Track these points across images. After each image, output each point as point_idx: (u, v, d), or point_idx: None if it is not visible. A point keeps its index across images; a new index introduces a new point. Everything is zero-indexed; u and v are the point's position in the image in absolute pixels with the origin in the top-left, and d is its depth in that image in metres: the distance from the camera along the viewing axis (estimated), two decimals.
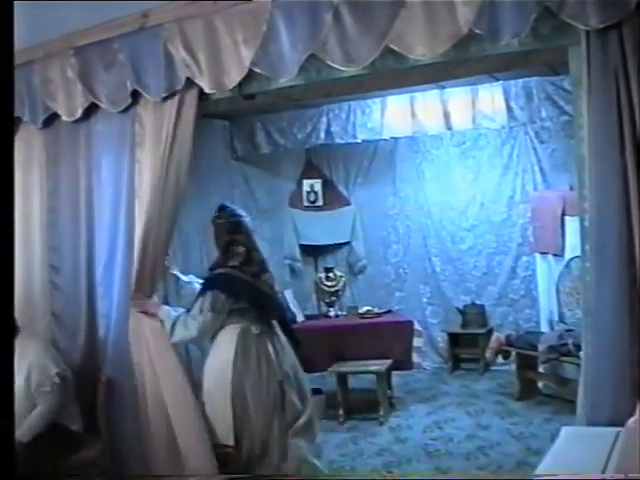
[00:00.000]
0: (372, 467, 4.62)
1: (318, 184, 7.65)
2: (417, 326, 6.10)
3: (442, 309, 7.43)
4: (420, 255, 7.51)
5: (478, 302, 7.16)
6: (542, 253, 6.53)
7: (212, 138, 7.05)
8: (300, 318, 6.26)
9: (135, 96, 4.01)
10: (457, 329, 7.19)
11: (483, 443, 4.89)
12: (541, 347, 5.46)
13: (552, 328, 6.07)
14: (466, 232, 7.32)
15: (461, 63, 4.22)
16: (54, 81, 4.25)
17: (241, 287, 3.95)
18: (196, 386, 3.98)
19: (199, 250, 6.66)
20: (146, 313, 3.95)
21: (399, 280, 7.59)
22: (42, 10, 3.92)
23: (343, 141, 6.77)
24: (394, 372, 6.02)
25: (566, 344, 5.26)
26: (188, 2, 3.78)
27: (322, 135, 6.75)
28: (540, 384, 5.96)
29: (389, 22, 3.23)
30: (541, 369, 5.86)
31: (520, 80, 5.98)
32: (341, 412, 5.62)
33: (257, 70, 3.60)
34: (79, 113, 4.19)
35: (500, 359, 6.36)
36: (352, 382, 5.96)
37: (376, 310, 6.46)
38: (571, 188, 5.99)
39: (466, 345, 7.16)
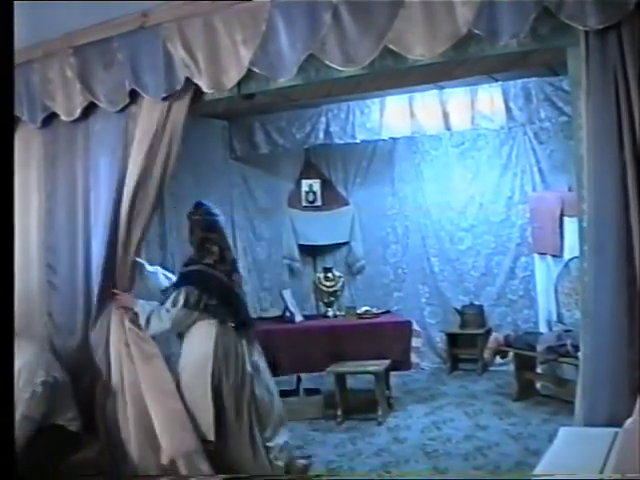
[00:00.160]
0: (370, 467, 4.61)
1: (317, 184, 7.66)
2: (415, 326, 6.10)
3: (441, 309, 7.43)
4: (419, 255, 7.51)
5: (477, 302, 7.17)
6: (541, 254, 6.53)
7: (211, 138, 7.05)
8: (299, 318, 6.26)
9: (132, 95, 4.01)
10: (456, 329, 7.20)
11: (481, 443, 4.88)
12: (539, 348, 5.46)
13: (550, 329, 6.07)
14: (465, 232, 7.33)
15: (460, 63, 4.24)
16: (53, 81, 4.24)
17: (216, 284, 4.07)
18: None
19: None
20: (124, 308, 4.05)
21: (398, 280, 7.60)
22: (42, 10, 3.92)
23: (342, 141, 6.79)
24: (392, 372, 6.02)
25: (564, 345, 5.27)
26: (187, 2, 3.78)
27: (321, 135, 6.76)
28: (538, 385, 5.97)
29: (388, 22, 3.23)
30: (539, 370, 5.87)
31: (519, 81, 5.99)
32: (339, 412, 5.61)
33: (256, 70, 3.59)
34: (78, 113, 4.19)
35: (498, 359, 6.37)
36: (350, 382, 5.96)
37: (375, 310, 6.46)
38: (570, 189, 5.99)
39: (465, 345, 7.17)
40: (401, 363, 5.89)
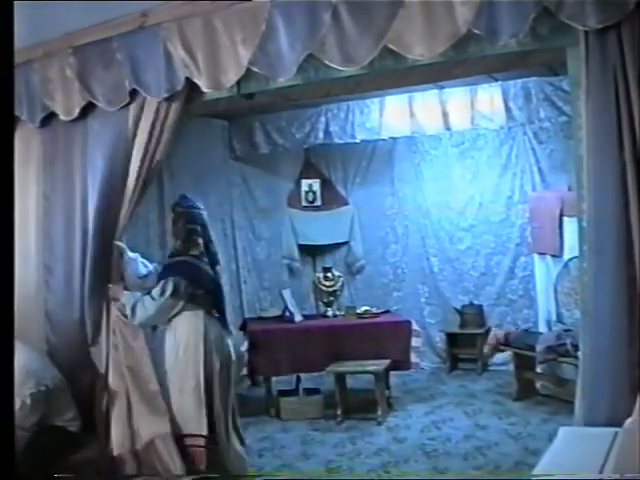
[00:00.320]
0: (370, 467, 4.61)
1: (317, 184, 7.66)
2: (415, 326, 6.09)
3: (440, 309, 7.43)
4: (418, 255, 7.51)
5: (476, 302, 7.17)
6: (540, 253, 6.53)
7: (211, 138, 7.06)
8: (298, 318, 6.26)
9: (131, 95, 4.01)
10: (455, 329, 7.20)
11: (481, 443, 4.88)
12: (539, 347, 5.46)
13: (550, 328, 6.07)
14: (464, 232, 7.33)
15: (460, 63, 4.24)
16: (53, 80, 4.24)
17: (202, 276, 4.17)
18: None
19: None
20: (114, 299, 4.14)
21: (397, 280, 7.60)
22: (42, 10, 3.92)
23: (342, 141, 6.80)
24: (392, 372, 6.02)
25: (564, 344, 5.26)
26: (187, 2, 3.78)
27: (321, 135, 6.77)
28: (538, 384, 5.97)
29: (388, 22, 3.23)
30: (539, 369, 5.86)
31: (519, 80, 5.99)
32: (339, 412, 5.61)
33: (255, 69, 3.60)
34: (76, 112, 4.19)
35: (497, 357, 6.38)
36: (350, 382, 5.96)
37: (374, 310, 6.46)
38: (569, 189, 5.99)
39: (464, 345, 7.17)
40: (401, 363, 5.90)
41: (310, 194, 7.65)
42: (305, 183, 7.67)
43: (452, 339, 7.21)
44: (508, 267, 7.11)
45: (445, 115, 6.34)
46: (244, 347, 5.89)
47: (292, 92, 5.14)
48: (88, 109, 4.20)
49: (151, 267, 4.33)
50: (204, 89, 3.79)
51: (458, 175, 7.33)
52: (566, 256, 6.00)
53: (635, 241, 2.89)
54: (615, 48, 2.90)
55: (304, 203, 7.65)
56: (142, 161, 4.03)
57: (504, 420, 5.38)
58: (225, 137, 7.25)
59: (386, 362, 5.69)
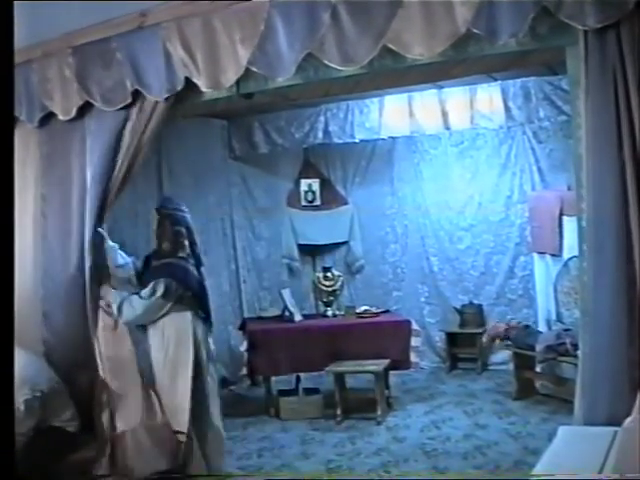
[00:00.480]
0: (370, 467, 4.61)
1: (316, 184, 7.65)
2: (415, 326, 6.09)
3: (440, 309, 7.43)
4: (418, 255, 7.51)
5: (476, 302, 7.17)
6: (540, 253, 6.53)
7: (210, 137, 7.06)
8: (298, 317, 6.26)
9: (133, 95, 4.01)
10: (455, 329, 7.20)
11: (480, 442, 4.89)
12: (539, 347, 5.46)
13: (550, 328, 6.07)
14: (464, 232, 7.33)
15: (459, 63, 4.24)
16: (52, 80, 4.24)
17: (191, 277, 4.27)
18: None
19: None
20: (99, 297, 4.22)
21: (397, 280, 7.60)
22: (41, 10, 3.91)
23: (341, 141, 6.80)
24: (392, 372, 6.02)
25: (564, 344, 5.26)
26: (186, 2, 3.78)
27: (320, 135, 6.77)
28: (538, 384, 5.97)
29: (387, 22, 3.23)
30: (539, 369, 5.86)
31: (518, 80, 5.99)
32: (339, 412, 5.61)
33: (254, 69, 3.60)
34: (74, 112, 4.19)
35: (497, 356, 6.38)
36: (350, 382, 5.96)
37: (374, 310, 6.46)
38: (569, 188, 5.98)
39: (464, 345, 7.17)
40: (400, 362, 5.89)
41: (309, 194, 7.65)
42: (304, 183, 7.67)
43: (452, 339, 7.21)
44: (508, 267, 7.11)
45: (444, 115, 6.34)
46: (243, 347, 5.90)
47: (291, 92, 5.13)
48: (86, 109, 4.20)
49: (128, 259, 4.39)
50: (203, 89, 3.79)
51: (457, 175, 7.33)
52: (565, 255, 6.00)
53: (635, 240, 2.89)
54: (614, 47, 2.90)
55: (303, 203, 7.65)
56: (123, 160, 4.09)
57: (504, 419, 5.38)
58: (224, 137, 7.25)
59: (386, 362, 5.69)
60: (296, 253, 7.58)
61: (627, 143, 2.89)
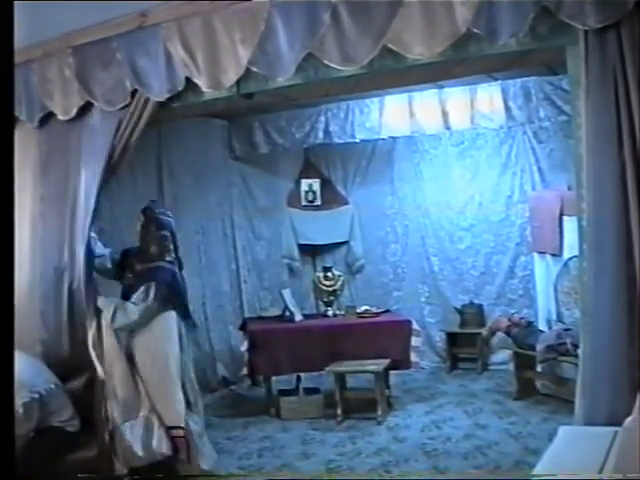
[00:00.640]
0: (370, 467, 4.61)
1: (316, 183, 7.65)
2: (415, 325, 6.09)
3: (440, 308, 7.43)
4: (418, 255, 7.50)
5: (476, 302, 7.16)
6: (540, 253, 6.52)
7: (210, 137, 7.06)
8: (298, 317, 6.25)
9: (132, 95, 4.01)
10: (455, 328, 7.20)
11: (481, 442, 4.88)
12: (539, 346, 5.46)
13: (550, 328, 6.06)
14: (464, 232, 7.32)
15: (459, 63, 4.23)
16: (52, 80, 4.25)
17: (178, 280, 4.46)
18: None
19: (197, 249, 6.66)
20: None
21: (397, 280, 7.59)
22: (41, 10, 3.92)
23: (341, 141, 6.80)
24: (392, 371, 6.01)
25: (564, 343, 5.26)
26: (186, 2, 3.78)
27: (320, 135, 6.77)
28: (538, 383, 5.96)
29: (387, 22, 3.24)
30: (539, 368, 5.86)
31: (518, 80, 5.99)
32: (339, 412, 5.61)
33: (254, 69, 3.60)
34: (74, 112, 4.19)
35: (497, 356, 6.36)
36: (350, 381, 5.96)
37: (374, 309, 6.45)
38: (569, 188, 5.98)
39: (464, 344, 7.16)
40: (401, 362, 5.89)
41: (310, 194, 7.64)
42: (305, 183, 7.66)
43: (452, 338, 7.20)
44: (508, 266, 7.11)
45: (445, 114, 6.34)
46: (244, 347, 5.90)
47: (291, 92, 5.13)
48: (85, 109, 4.20)
49: (105, 251, 4.51)
50: (204, 89, 3.80)
51: (458, 175, 7.32)
52: (566, 255, 5.99)
53: (635, 240, 2.89)
54: (615, 47, 2.90)
55: (304, 203, 7.65)
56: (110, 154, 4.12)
57: (504, 419, 5.38)
58: (225, 137, 7.24)
59: (386, 361, 5.69)
60: (296, 253, 7.58)
61: (627, 143, 2.89)
